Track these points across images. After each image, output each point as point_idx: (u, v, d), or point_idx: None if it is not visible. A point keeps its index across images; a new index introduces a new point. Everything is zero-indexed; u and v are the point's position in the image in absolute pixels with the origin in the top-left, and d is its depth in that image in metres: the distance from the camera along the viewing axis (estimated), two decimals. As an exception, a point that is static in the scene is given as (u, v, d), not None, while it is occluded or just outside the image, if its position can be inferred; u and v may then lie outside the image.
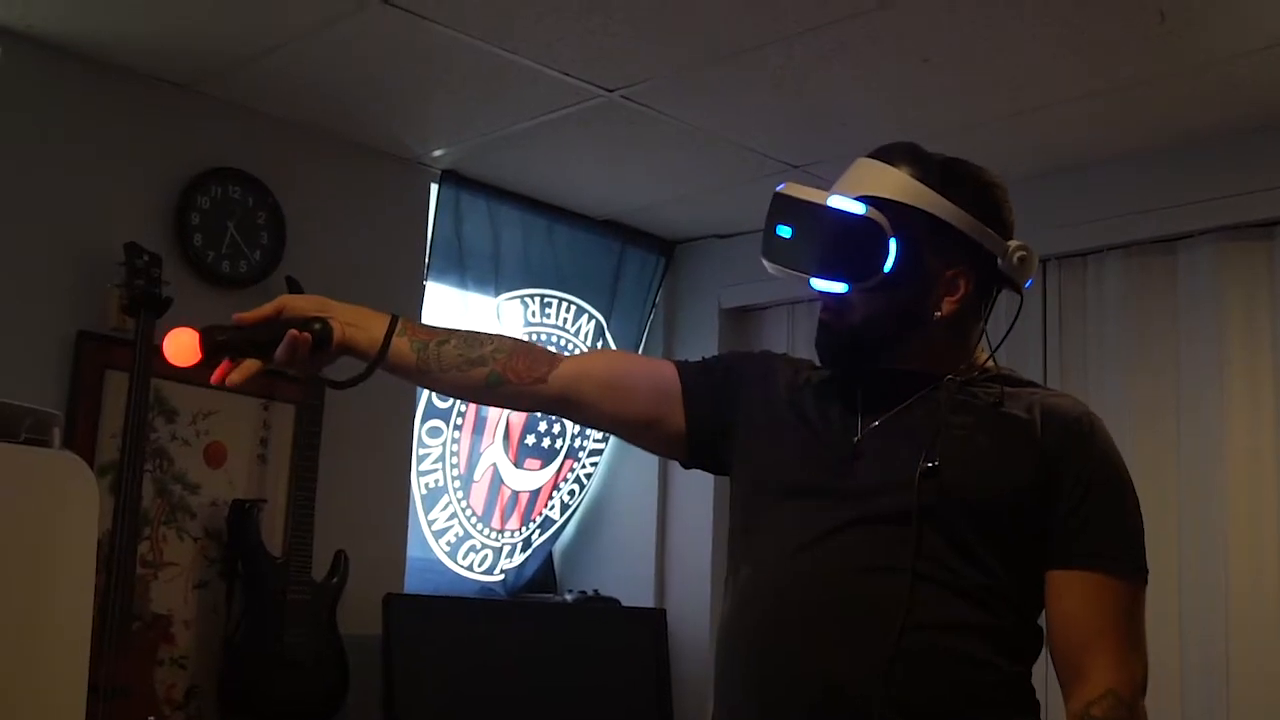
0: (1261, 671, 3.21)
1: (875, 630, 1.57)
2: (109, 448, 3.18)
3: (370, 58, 3.22)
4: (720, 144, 3.67)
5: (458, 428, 4.08)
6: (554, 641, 3.85)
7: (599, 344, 4.40)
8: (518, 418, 4.21)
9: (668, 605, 4.28)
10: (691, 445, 1.84)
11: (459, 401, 4.06)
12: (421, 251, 3.92)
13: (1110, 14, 2.84)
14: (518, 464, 4.22)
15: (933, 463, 1.61)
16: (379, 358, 1.78)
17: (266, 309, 1.74)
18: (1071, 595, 1.61)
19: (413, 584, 3.86)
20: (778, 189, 1.73)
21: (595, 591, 4.17)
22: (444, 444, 4.05)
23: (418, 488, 3.96)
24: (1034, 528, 1.62)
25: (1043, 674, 1.65)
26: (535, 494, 4.27)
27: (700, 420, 1.82)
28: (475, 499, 4.13)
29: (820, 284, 1.69)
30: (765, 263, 1.74)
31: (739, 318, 4.49)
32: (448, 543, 4.05)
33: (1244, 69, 3.06)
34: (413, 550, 3.89)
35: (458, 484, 4.08)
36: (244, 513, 3.35)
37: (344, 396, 3.55)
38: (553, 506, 4.32)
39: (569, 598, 4.15)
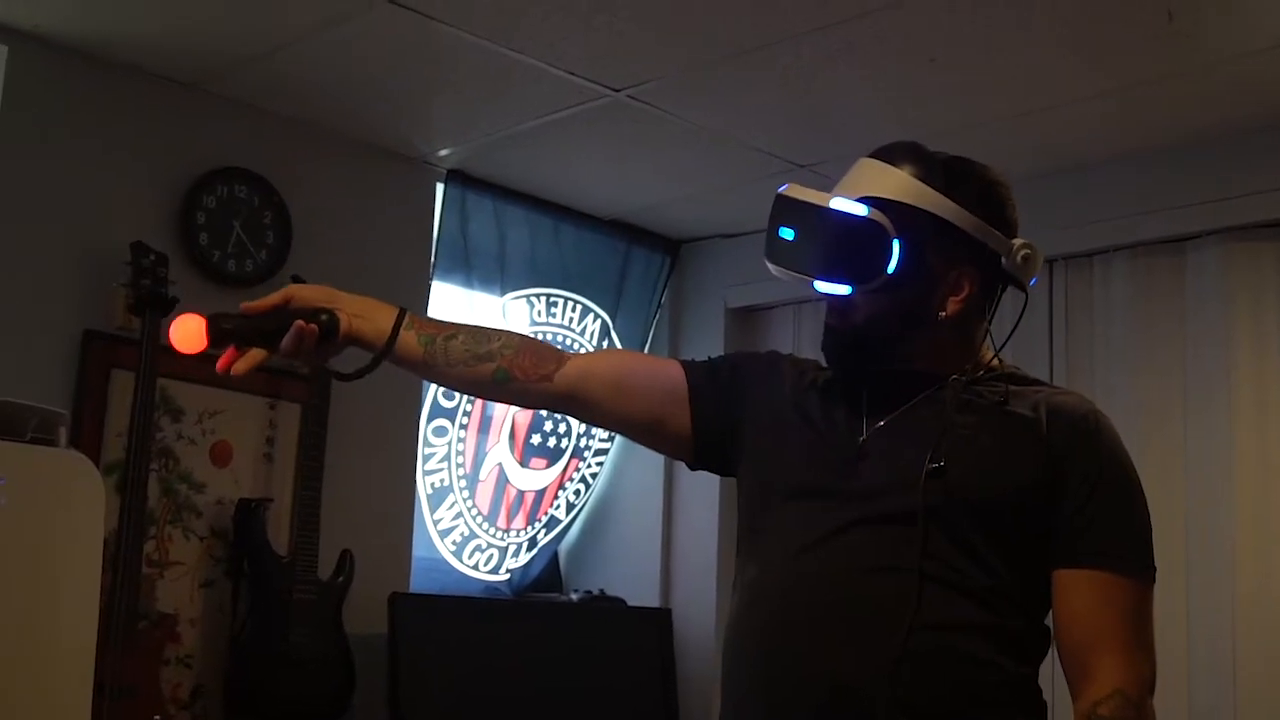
0: (1268, 672, 3.21)
1: (881, 630, 1.56)
2: (115, 447, 3.18)
3: (376, 57, 3.22)
4: (726, 144, 3.67)
5: (463, 427, 4.08)
6: (559, 641, 3.85)
7: (604, 343, 4.40)
8: (524, 417, 4.21)
9: (673, 605, 4.27)
10: (698, 446, 1.83)
11: (464, 401, 4.06)
12: (427, 251, 3.92)
13: (1118, 14, 2.83)
14: (523, 463, 4.22)
15: (938, 463, 1.60)
16: (386, 350, 1.77)
17: (274, 298, 1.74)
18: (1079, 594, 1.60)
19: (418, 583, 3.86)
20: (779, 190, 1.73)
21: (601, 591, 4.17)
22: (449, 443, 4.05)
23: (423, 487, 3.96)
24: (1040, 527, 1.61)
25: (1049, 674, 1.64)
26: (541, 493, 4.27)
27: (706, 421, 1.82)
28: (481, 498, 4.13)
29: (824, 286, 1.69)
30: (768, 265, 1.73)
31: (744, 317, 4.48)
32: (453, 542, 4.05)
33: (1252, 68, 3.06)
34: (418, 550, 3.89)
35: (463, 483, 4.08)
36: (250, 512, 3.35)
37: (349, 395, 3.57)
38: (558, 506, 4.32)
39: (574, 597, 4.15)
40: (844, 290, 1.68)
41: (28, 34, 3.14)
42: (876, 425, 1.69)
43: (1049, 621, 1.66)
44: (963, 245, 1.68)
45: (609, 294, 4.41)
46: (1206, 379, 3.42)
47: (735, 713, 1.69)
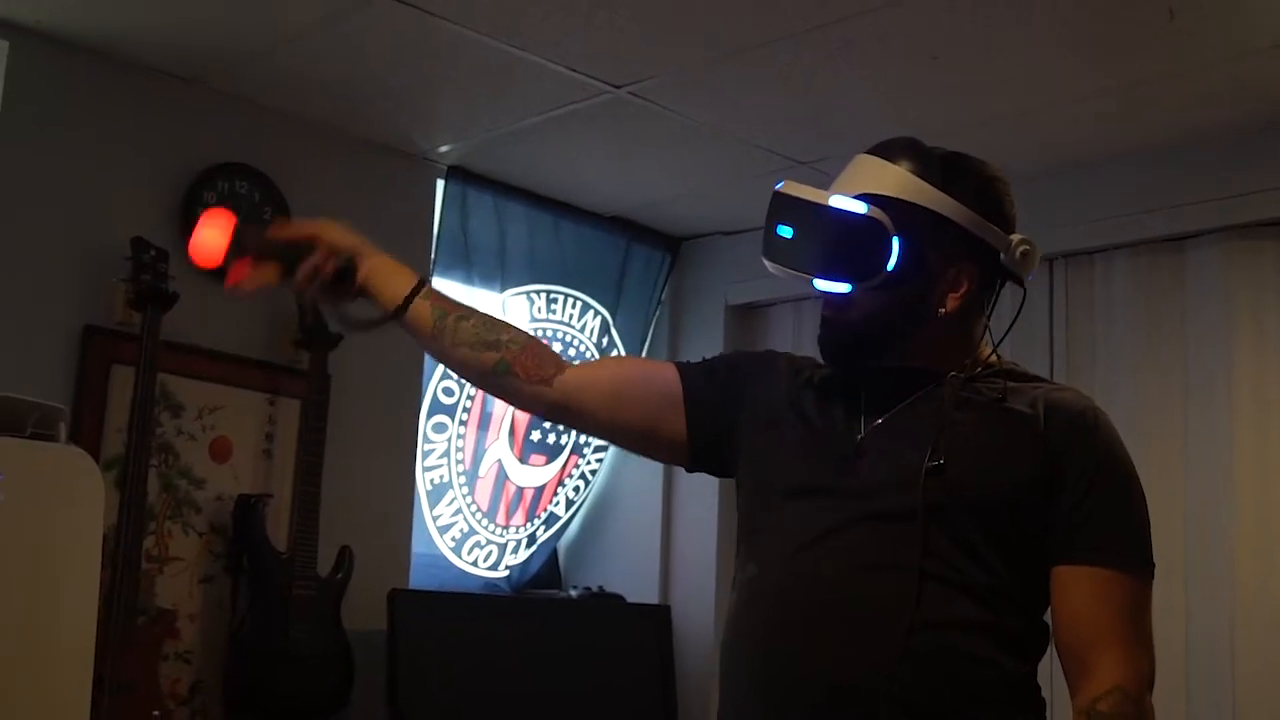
0: (1267, 670, 3.21)
1: (880, 629, 1.56)
2: (115, 442, 3.18)
3: (377, 53, 3.22)
4: (727, 141, 3.67)
5: (463, 423, 4.08)
6: (559, 638, 3.85)
7: (604, 340, 4.40)
8: (524, 414, 4.21)
9: (672, 601, 4.27)
10: (694, 449, 1.83)
11: (464, 397, 4.06)
12: (428, 247, 3.92)
13: (1119, 12, 2.83)
14: (523, 460, 4.22)
15: (938, 461, 1.60)
16: (397, 311, 1.77)
17: (305, 229, 1.74)
18: (1077, 591, 1.60)
19: (418, 580, 3.86)
20: (776, 188, 1.72)
21: (600, 588, 4.17)
22: (449, 440, 4.05)
23: (423, 483, 3.96)
24: (1038, 523, 1.61)
25: (1048, 672, 1.64)
26: (540, 490, 4.27)
27: (702, 424, 1.81)
28: (480, 495, 4.13)
29: (823, 284, 1.69)
30: (766, 262, 1.73)
31: (745, 314, 4.48)
32: (453, 538, 4.05)
33: (1253, 67, 3.05)
34: (418, 546, 3.89)
35: (463, 480, 4.08)
36: (249, 508, 3.35)
37: (349, 391, 3.57)
38: (558, 502, 4.32)
39: (574, 594, 4.15)
40: (843, 288, 1.67)
41: (29, 29, 3.13)
42: (874, 423, 1.69)
43: (1047, 618, 1.65)
44: (961, 241, 1.67)
45: (609, 291, 4.40)
46: (1207, 377, 3.42)
47: (734, 713, 1.69)
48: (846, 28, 2.95)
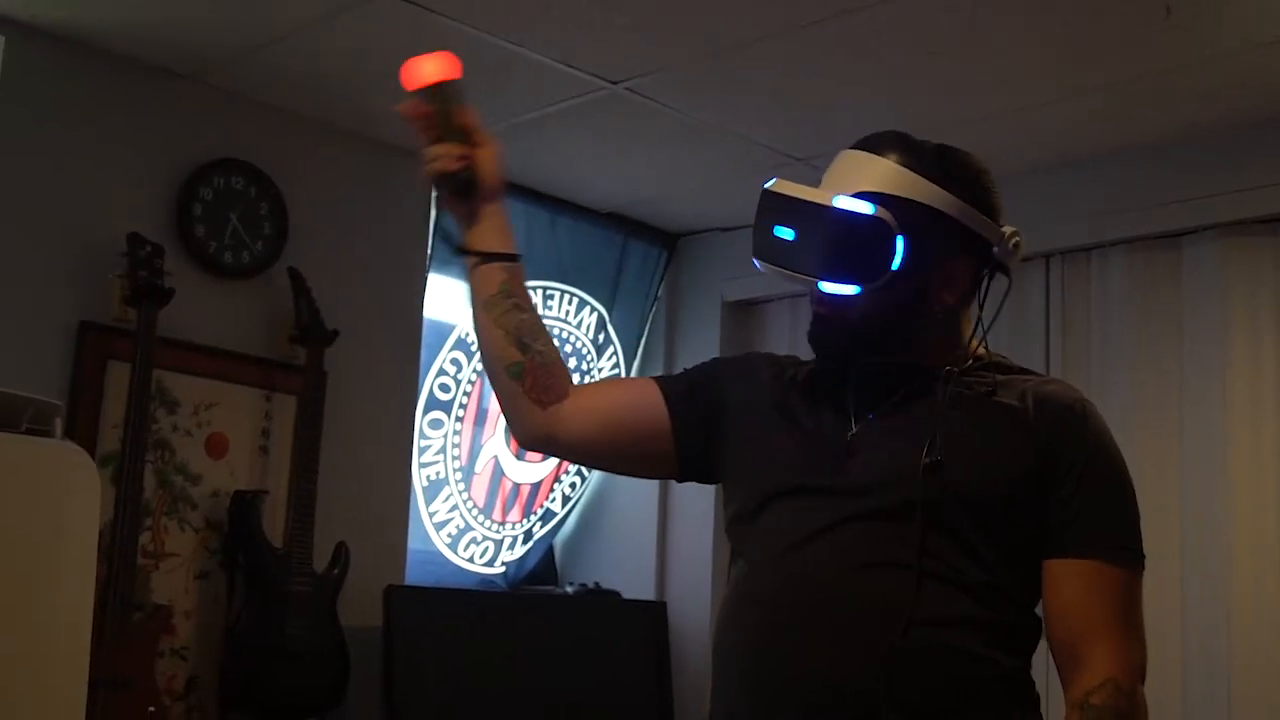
0: (1263, 667, 3.21)
1: (875, 627, 1.56)
2: (111, 438, 3.18)
3: (374, 49, 3.22)
4: (724, 137, 3.66)
5: (459, 419, 4.08)
6: (555, 634, 3.85)
7: (600, 336, 4.39)
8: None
9: (668, 597, 4.28)
10: (682, 462, 1.81)
11: (460, 393, 4.07)
12: (424, 242, 3.92)
13: (1116, 9, 2.83)
14: (519, 456, 4.22)
15: (936, 458, 1.59)
16: (474, 256, 1.79)
17: (481, 135, 1.81)
18: (1069, 585, 1.60)
19: (414, 576, 3.85)
20: (767, 186, 1.69)
21: (596, 584, 4.18)
22: (445, 436, 4.05)
23: (419, 479, 3.96)
24: (1030, 518, 1.61)
25: (1044, 667, 1.64)
26: (536, 486, 4.27)
27: (689, 436, 1.80)
28: (477, 491, 4.13)
29: (830, 287, 1.66)
30: (761, 264, 1.69)
31: (741, 311, 4.48)
32: (449, 535, 4.05)
33: (1249, 63, 3.05)
34: (414, 542, 3.89)
35: (459, 476, 4.08)
36: (245, 504, 3.35)
37: (346, 387, 3.57)
38: (554, 499, 4.32)
39: (570, 590, 4.16)
40: (851, 290, 1.64)
41: (24, 24, 3.13)
42: (865, 421, 1.68)
43: (1039, 611, 1.65)
44: (957, 236, 1.67)
45: (606, 287, 4.40)
46: (1202, 374, 3.42)
47: (725, 713, 1.68)
48: (843, 24, 2.94)
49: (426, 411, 3.99)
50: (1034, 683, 1.64)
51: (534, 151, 3.85)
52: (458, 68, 1.79)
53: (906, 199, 1.63)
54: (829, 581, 1.60)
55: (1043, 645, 1.65)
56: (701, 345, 4.38)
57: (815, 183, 1.69)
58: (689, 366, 1.90)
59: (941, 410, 1.63)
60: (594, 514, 4.47)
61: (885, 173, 1.65)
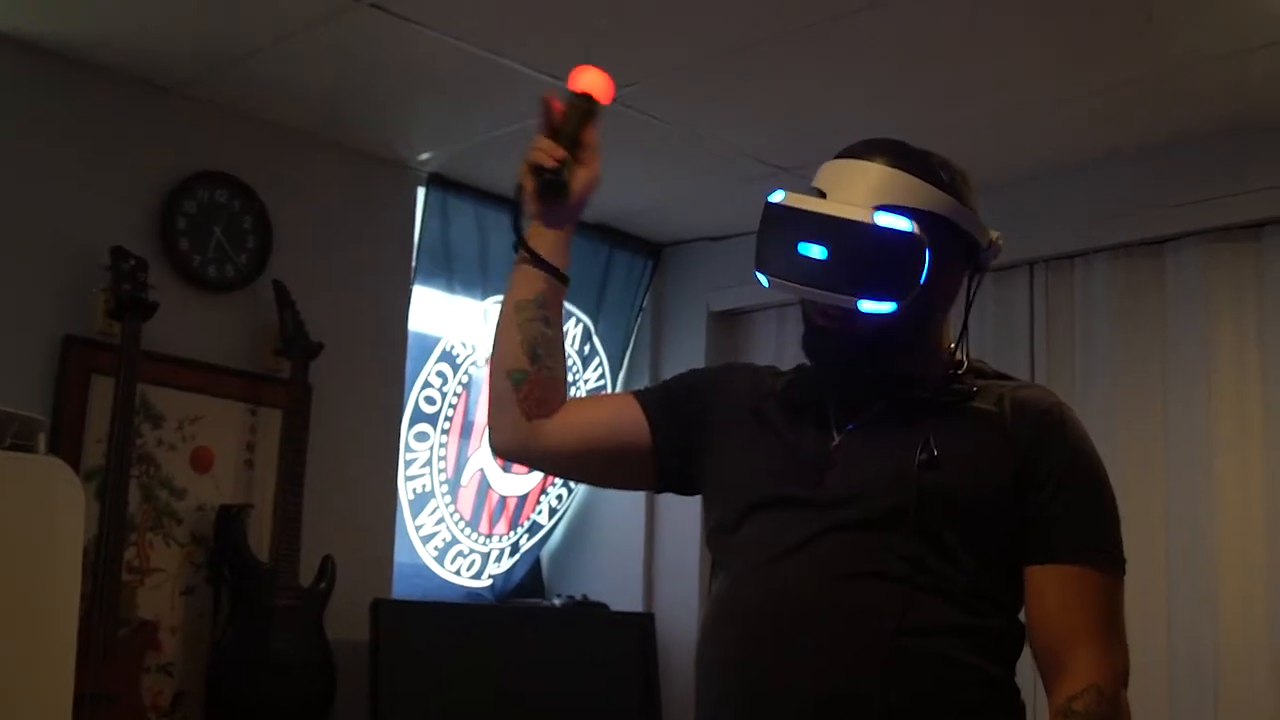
0: (1250, 671, 3.21)
1: (859, 638, 1.55)
2: (95, 453, 3.16)
3: (358, 61, 3.21)
4: (709, 147, 3.66)
5: (445, 432, 4.07)
6: (542, 646, 3.84)
7: (586, 348, 4.39)
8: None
9: (656, 610, 4.27)
10: (659, 472, 1.82)
11: (446, 406, 4.06)
12: (409, 255, 3.91)
13: (1098, 15, 2.84)
14: (505, 468, 4.21)
15: (924, 466, 1.59)
16: (527, 253, 1.83)
17: (591, 154, 1.84)
18: (1051, 590, 1.60)
19: (400, 589, 3.84)
20: (776, 200, 1.65)
21: (584, 596, 4.16)
22: (431, 448, 4.03)
23: (405, 492, 3.94)
24: (1011, 524, 1.61)
25: (1029, 675, 1.64)
26: (523, 498, 4.26)
27: (667, 447, 1.80)
28: (463, 504, 4.11)
29: (870, 306, 1.60)
30: (774, 283, 1.65)
31: (727, 321, 4.48)
32: (435, 548, 4.03)
33: (1231, 70, 3.07)
34: (400, 555, 3.88)
35: (445, 489, 4.07)
36: (231, 518, 3.33)
37: (331, 400, 3.56)
38: (541, 511, 4.31)
39: (557, 602, 4.14)
40: (888, 308, 1.60)
41: (6, 36, 3.12)
42: (846, 430, 1.67)
43: (1022, 617, 1.65)
44: (960, 242, 1.67)
45: (591, 298, 4.40)
46: (1186, 379, 3.43)
47: None
48: (828, 31, 2.95)
49: (412, 424, 3.98)
50: (1019, 690, 1.64)
51: (518, 163, 3.83)
52: (611, 93, 1.84)
53: (927, 210, 1.61)
54: (810, 595, 1.59)
55: (1027, 652, 1.65)
56: (687, 355, 4.37)
57: (806, 193, 1.67)
58: (665, 379, 1.90)
59: (920, 419, 1.63)
60: (581, 526, 4.46)
61: (906, 185, 1.62)
